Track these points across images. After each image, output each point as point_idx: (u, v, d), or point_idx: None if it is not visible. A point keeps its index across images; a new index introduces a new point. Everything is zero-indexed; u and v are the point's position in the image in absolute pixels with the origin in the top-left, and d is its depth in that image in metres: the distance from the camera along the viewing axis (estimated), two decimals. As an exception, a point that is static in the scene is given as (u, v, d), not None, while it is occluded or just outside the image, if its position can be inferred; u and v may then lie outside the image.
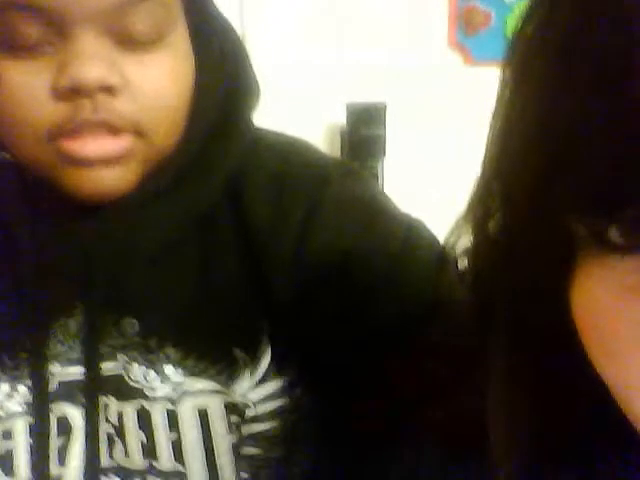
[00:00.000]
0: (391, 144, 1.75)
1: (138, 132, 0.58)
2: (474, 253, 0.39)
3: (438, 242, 0.66)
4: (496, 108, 0.35)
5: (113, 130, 0.57)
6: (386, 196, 0.70)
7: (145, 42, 0.57)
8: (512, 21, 1.78)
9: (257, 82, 0.67)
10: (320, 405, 0.66)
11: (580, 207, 0.29)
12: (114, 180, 0.58)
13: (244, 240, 0.64)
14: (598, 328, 0.30)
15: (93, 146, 0.57)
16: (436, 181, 1.70)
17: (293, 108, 1.60)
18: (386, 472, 0.44)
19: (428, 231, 0.68)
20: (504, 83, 0.34)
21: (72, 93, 0.55)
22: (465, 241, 0.41)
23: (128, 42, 0.57)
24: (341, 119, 1.75)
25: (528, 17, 0.33)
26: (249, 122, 0.67)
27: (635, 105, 0.26)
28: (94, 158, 0.57)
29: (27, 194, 0.61)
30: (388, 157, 1.75)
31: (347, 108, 1.72)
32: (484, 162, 0.36)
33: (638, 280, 0.29)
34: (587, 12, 0.28)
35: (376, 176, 1.71)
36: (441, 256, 0.62)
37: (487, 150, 0.36)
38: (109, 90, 0.56)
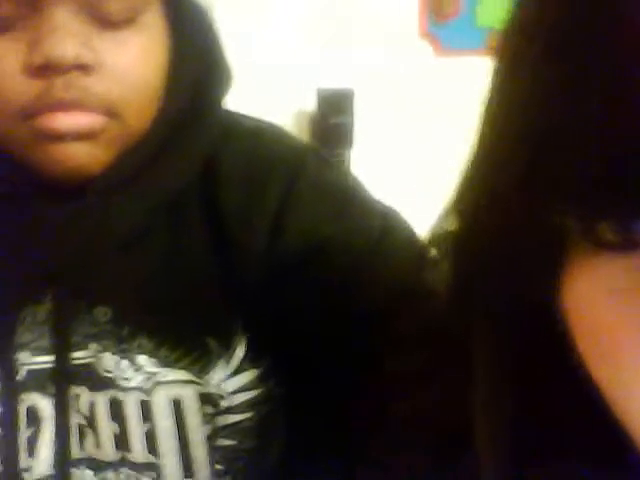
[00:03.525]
0: (361, 135, 1.75)
1: (110, 111, 0.57)
2: (460, 246, 0.38)
3: (413, 230, 0.66)
4: (486, 97, 0.34)
5: (85, 109, 0.56)
6: (361, 184, 0.70)
7: (119, 21, 0.57)
8: (482, 10, 1.78)
9: (229, 67, 0.66)
10: (293, 395, 0.66)
11: (570, 202, 0.28)
12: (85, 156, 0.57)
13: (217, 226, 0.63)
14: (590, 330, 0.30)
15: (64, 120, 0.56)
16: (406, 173, 1.70)
17: (263, 94, 1.59)
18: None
19: (403, 219, 0.67)
20: (495, 72, 0.33)
21: (45, 70, 0.54)
22: (448, 231, 0.40)
23: (102, 21, 0.56)
24: (310, 107, 1.74)
25: (520, 4, 0.32)
26: (221, 106, 0.66)
27: (632, 98, 0.25)
28: (65, 131, 0.56)
29: None
30: (357, 148, 1.75)
31: (318, 93, 1.74)
32: (472, 153, 0.36)
33: (632, 280, 0.28)
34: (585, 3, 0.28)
35: (343, 165, 1.71)
36: (420, 245, 0.62)
37: (476, 141, 0.35)
38: (83, 68, 0.55)
